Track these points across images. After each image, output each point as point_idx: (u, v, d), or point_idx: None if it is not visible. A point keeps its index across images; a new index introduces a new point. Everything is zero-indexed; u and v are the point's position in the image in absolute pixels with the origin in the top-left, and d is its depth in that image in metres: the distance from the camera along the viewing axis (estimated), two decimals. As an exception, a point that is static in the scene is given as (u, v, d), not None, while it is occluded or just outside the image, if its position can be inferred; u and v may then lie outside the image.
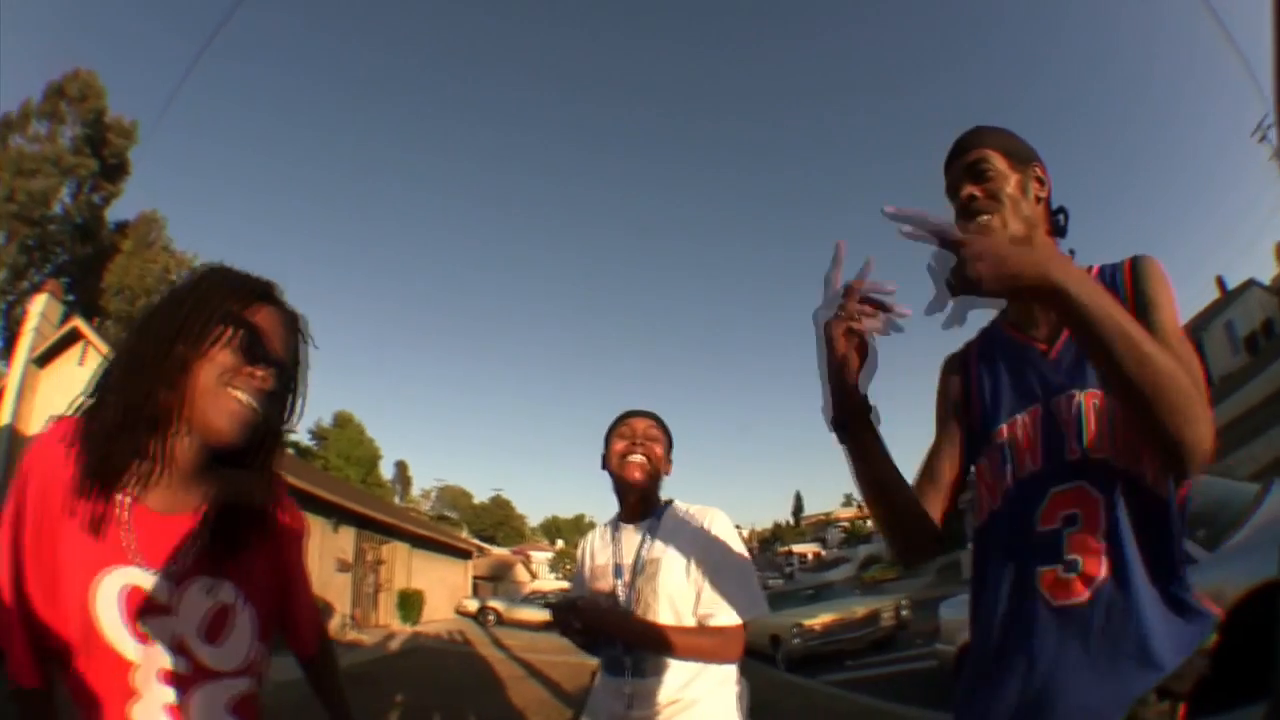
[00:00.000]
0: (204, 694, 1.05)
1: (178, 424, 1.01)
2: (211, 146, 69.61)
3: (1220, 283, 26.80)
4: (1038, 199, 1.29)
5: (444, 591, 27.97)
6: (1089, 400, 1.15)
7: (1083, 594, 1.10)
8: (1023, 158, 1.30)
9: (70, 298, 21.24)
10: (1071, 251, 1.30)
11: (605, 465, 2.08)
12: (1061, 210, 1.32)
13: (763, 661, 12.00)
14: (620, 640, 1.89)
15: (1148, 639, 1.05)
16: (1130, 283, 1.19)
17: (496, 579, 42.22)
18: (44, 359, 15.67)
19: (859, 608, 13.46)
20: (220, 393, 1.01)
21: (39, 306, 15.97)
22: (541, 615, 24.08)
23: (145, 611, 1.00)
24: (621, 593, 1.95)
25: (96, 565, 0.98)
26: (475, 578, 35.61)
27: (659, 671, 1.86)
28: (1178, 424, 0.95)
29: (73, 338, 15.86)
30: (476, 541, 44.53)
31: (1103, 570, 1.09)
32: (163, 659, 1.01)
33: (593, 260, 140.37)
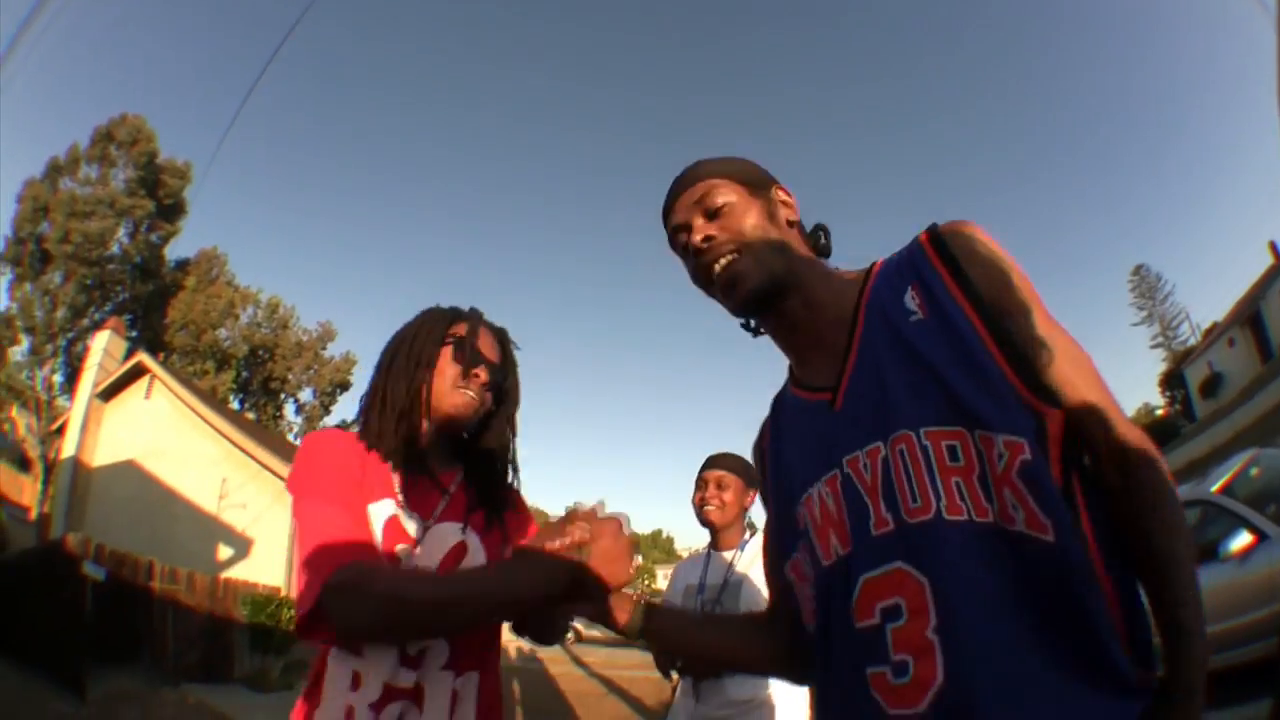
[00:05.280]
0: None
1: (428, 419, 1.35)
2: (268, 181, 71.40)
3: (1274, 248, 25.50)
4: (789, 223, 1.11)
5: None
6: (896, 449, 0.91)
7: (919, 703, 0.85)
8: (759, 183, 1.12)
9: (133, 334, 21.70)
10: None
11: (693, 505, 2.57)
12: (821, 229, 1.15)
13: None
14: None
15: None
16: (949, 275, 0.95)
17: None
18: (108, 393, 15.97)
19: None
20: (453, 393, 1.33)
21: (101, 343, 16.33)
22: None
23: (398, 542, 1.23)
24: (701, 607, 2.35)
25: (373, 495, 1.25)
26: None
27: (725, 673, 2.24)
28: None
29: (137, 372, 16.18)
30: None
31: (939, 674, 0.83)
32: None
33: (650, 275, 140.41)
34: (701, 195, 1.09)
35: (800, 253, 1.09)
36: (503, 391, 1.43)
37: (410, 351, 1.35)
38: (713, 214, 1.08)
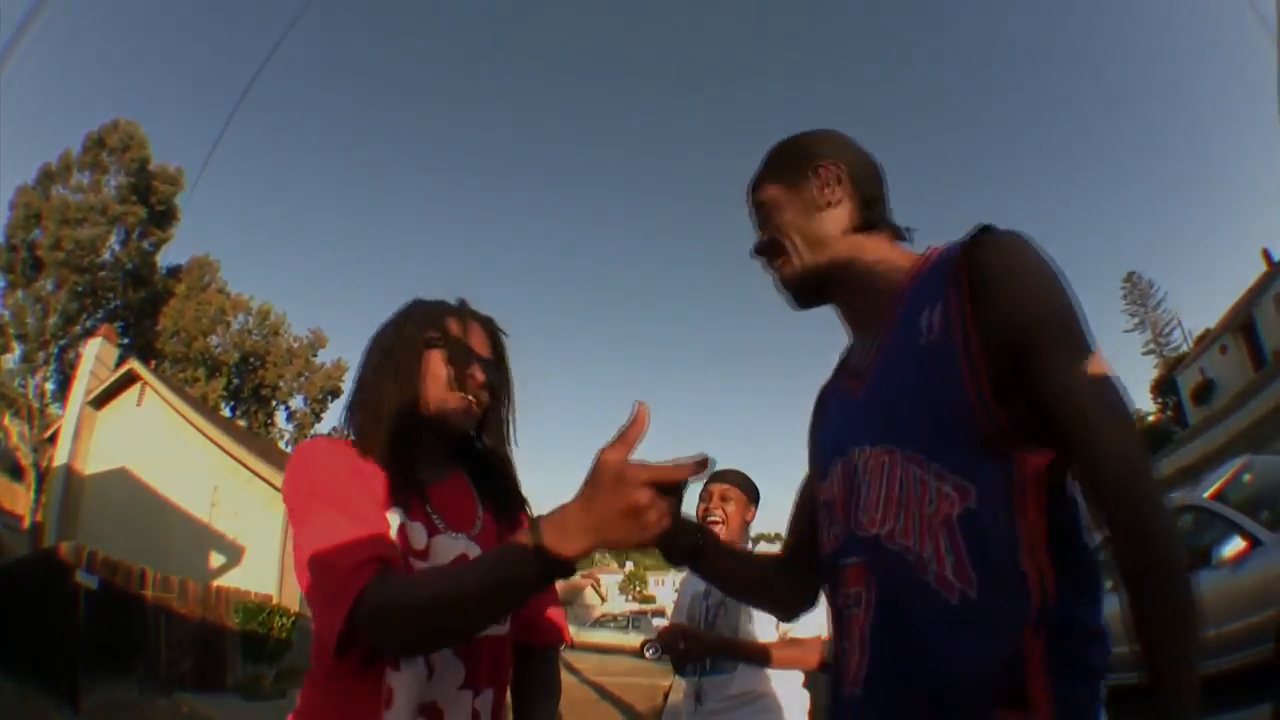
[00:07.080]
0: None
1: (422, 425, 1.26)
2: (260, 188, 71.21)
3: (1266, 255, 25.60)
4: (827, 204, 1.07)
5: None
6: (877, 461, 0.96)
7: (855, 686, 0.96)
8: (797, 170, 1.10)
9: (125, 341, 21.59)
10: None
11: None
12: (873, 200, 1.10)
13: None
14: (724, 655, 2.32)
15: None
16: (969, 298, 0.88)
17: (566, 603, 41.64)
18: (100, 401, 15.89)
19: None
20: (448, 397, 1.26)
21: (93, 350, 16.24)
22: (612, 639, 23.78)
23: (408, 554, 1.17)
24: (707, 610, 2.46)
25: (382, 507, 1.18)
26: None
27: (729, 669, 2.32)
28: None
29: (129, 380, 16.09)
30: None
31: (862, 669, 0.95)
32: None
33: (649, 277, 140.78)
34: (753, 207, 1.15)
35: (844, 238, 1.07)
36: (498, 388, 1.34)
37: (398, 354, 1.27)
38: (762, 222, 1.13)
